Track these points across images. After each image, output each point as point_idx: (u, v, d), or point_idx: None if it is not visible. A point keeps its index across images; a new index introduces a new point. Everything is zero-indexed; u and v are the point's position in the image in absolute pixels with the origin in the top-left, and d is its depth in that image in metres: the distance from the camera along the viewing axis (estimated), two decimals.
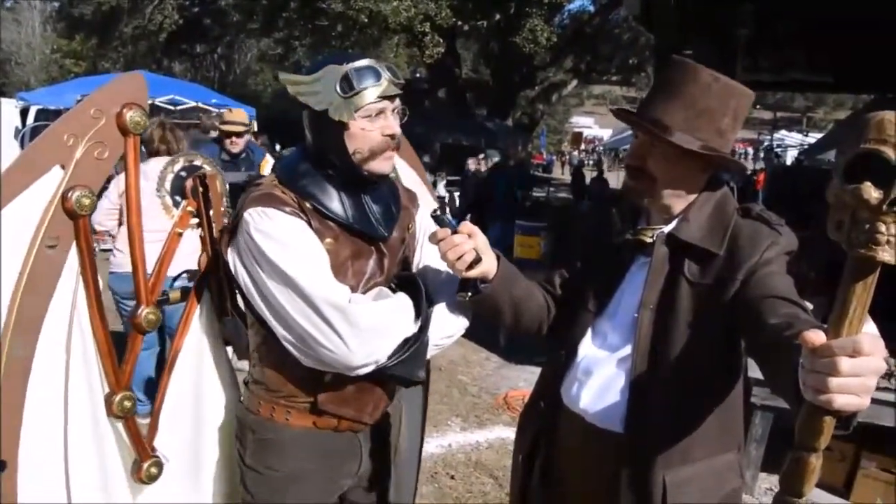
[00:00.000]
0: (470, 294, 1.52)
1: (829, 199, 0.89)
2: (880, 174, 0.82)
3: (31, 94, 12.81)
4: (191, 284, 1.73)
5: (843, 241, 0.88)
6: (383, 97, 1.50)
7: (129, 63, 21.63)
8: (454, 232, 1.44)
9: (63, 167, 1.26)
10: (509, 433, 4.17)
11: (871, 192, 0.82)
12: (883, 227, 0.83)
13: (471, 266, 1.45)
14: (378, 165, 1.55)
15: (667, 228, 1.48)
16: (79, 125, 1.28)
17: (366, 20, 14.04)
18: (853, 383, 0.88)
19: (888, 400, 3.20)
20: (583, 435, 1.52)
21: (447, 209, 1.49)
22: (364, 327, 1.44)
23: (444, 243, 1.44)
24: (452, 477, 3.72)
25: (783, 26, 5.31)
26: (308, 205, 1.52)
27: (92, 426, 1.41)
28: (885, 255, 0.84)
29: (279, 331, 1.47)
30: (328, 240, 1.52)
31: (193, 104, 11.52)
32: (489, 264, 1.49)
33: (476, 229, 1.47)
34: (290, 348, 1.48)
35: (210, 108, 11.81)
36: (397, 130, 1.55)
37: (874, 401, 3.57)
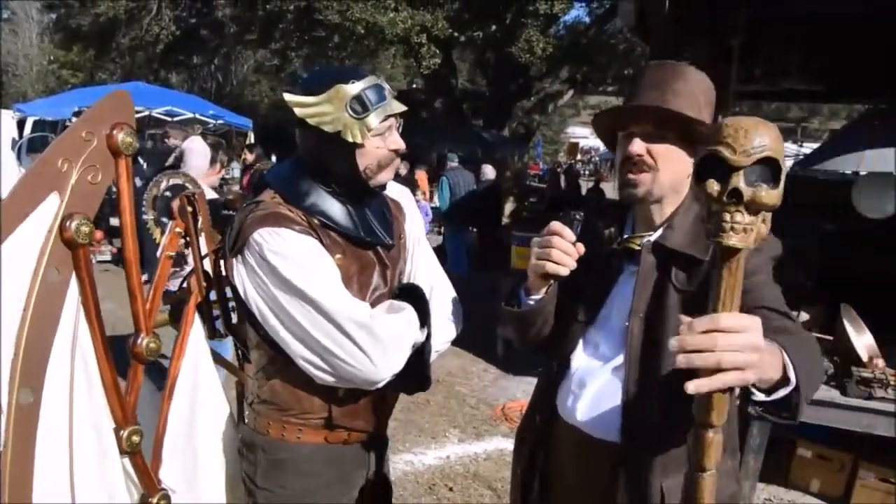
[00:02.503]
0: (517, 306, 1.48)
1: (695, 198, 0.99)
2: (721, 171, 0.97)
3: (28, 106, 12.80)
4: (166, 306, 1.71)
5: (706, 233, 1.00)
6: (391, 115, 1.54)
7: (127, 74, 21.65)
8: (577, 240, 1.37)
9: (59, 194, 1.20)
10: (507, 444, 4.17)
11: (714, 187, 0.97)
12: (727, 216, 0.96)
13: (547, 276, 1.40)
14: (384, 177, 1.60)
15: (653, 237, 1.49)
16: (72, 148, 1.23)
17: (362, 31, 14.07)
18: (704, 354, 0.95)
19: (886, 410, 3.20)
20: (579, 446, 1.52)
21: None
22: (386, 342, 1.46)
23: (557, 240, 1.36)
24: (451, 489, 3.71)
25: (777, 36, 5.35)
26: (316, 221, 1.53)
27: (99, 465, 1.35)
28: (730, 240, 0.96)
29: (298, 350, 1.47)
30: (338, 255, 1.53)
31: (190, 115, 11.52)
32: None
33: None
34: (307, 367, 1.47)
35: (207, 119, 11.83)
36: (403, 145, 1.59)
37: (871, 411, 3.53)
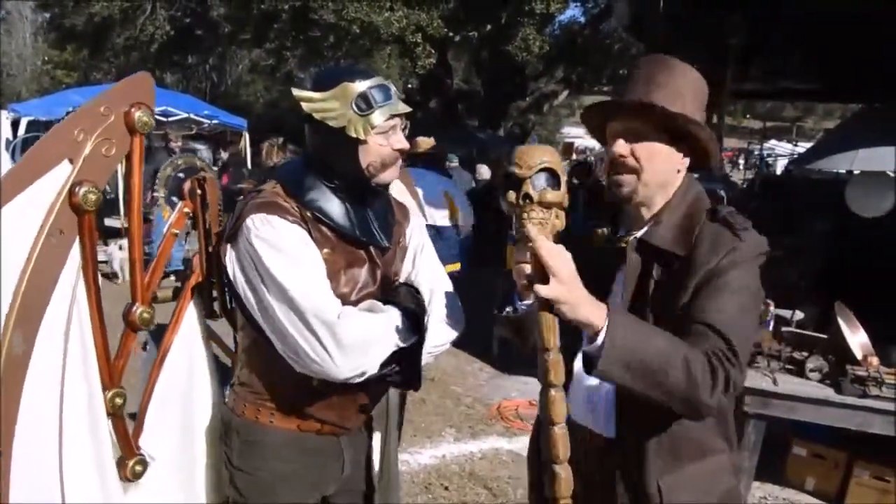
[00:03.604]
0: (513, 311, 1.47)
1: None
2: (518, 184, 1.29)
3: (23, 106, 12.75)
4: (177, 283, 1.75)
5: (516, 233, 1.29)
6: (396, 115, 1.57)
7: (121, 74, 21.53)
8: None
9: (72, 161, 1.27)
10: (503, 443, 4.19)
11: (512, 196, 1.29)
12: (525, 214, 1.27)
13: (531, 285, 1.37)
14: (387, 176, 1.62)
15: (639, 234, 1.49)
16: (88, 121, 1.30)
17: (357, 31, 14.06)
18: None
19: (881, 408, 3.21)
20: (581, 444, 1.51)
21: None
22: (349, 343, 1.46)
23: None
24: (446, 488, 3.71)
25: (773, 36, 5.36)
26: (309, 214, 1.56)
27: (89, 422, 1.40)
28: (530, 231, 1.25)
29: (274, 339, 1.50)
30: (326, 250, 1.56)
31: (185, 115, 11.49)
32: None
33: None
34: (285, 355, 1.51)
35: (202, 120, 11.80)
36: (407, 145, 1.62)
37: (866, 409, 3.53)
